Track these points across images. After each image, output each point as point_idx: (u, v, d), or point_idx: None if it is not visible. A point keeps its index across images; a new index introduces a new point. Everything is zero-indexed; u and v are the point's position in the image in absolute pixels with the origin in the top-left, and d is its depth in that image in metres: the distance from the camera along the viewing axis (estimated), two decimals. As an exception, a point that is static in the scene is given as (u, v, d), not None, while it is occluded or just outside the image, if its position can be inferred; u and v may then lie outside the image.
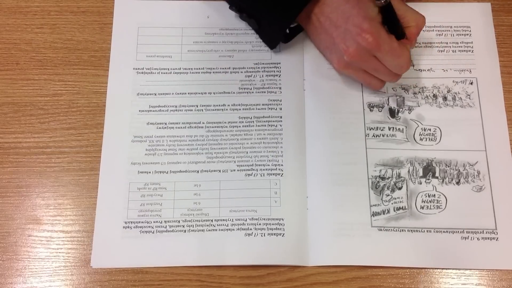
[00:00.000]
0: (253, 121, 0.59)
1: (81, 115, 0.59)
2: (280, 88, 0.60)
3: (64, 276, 0.53)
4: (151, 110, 0.59)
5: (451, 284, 0.54)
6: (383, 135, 0.58)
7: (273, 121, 0.59)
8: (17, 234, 0.55)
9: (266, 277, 0.54)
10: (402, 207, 0.56)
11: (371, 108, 0.59)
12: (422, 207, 0.56)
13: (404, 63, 0.54)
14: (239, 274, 0.54)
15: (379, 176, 0.57)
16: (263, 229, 0.55)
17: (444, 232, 0.55)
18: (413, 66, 0.61)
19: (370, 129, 0.58)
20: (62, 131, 0.59)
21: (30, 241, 0.55)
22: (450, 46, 0.63)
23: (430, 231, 0.55)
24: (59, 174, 0.57)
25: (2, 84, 0.61)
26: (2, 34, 0.63)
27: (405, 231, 0.55)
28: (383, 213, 0.55)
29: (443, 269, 0.54)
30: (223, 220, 0.55)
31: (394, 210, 0.56)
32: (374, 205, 0.56)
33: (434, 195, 0.56)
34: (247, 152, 0.58)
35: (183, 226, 0.55)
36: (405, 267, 0.54)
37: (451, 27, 0.63)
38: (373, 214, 0.55)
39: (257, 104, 0.59)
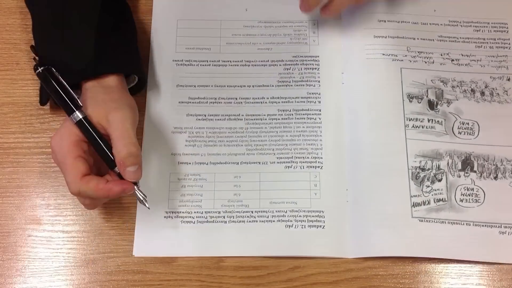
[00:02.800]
0: (292, 114, 0.59)
1: (82, 114, 0.59)
2: (319, 81, 0.60)
3: (64, 276, 0.53)
4: (190, 102, 0.59)
5: (451, 284, 0.54)
6: (422, 126, 0.58)
7: (312, 114, 0.59)
8: (17, 234, 0.55)
9: (266, 277, 0.54)
10: (442, 199, 0.56)
11: (411, 99, 0.59)
12: (461, 200, 0.56)
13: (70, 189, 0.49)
14: (239, 274, 0.54)
15: (419, 167, 0.57)
16: (303, 221, 0.55)
17: (482, 226, 0.55)
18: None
19: (409, 120, 0.58)
20: (62, 131, 0.59)
21: (30, 241, 0.55)
22: (487, 42, 0.63)
23: (470, 224, 0.55)
24: (59, 174, 0.56)
25: (2, 84, 0.60)
26: (2, 34, 0.62)
27: (445, 223, 0.55)
28: (424, 204, 0.55)
29: (443, 269, 0.54)
30: (263, 211, 0.55)
31: (435, 202, 0.56)
32: (414, 196, 0.56)
33: (473, 188, 0.57)
34: (286, 145, 0.58)
35: (224, 217, 0.55)
36: (406, 265, 0.54)
37: (488, 23, 0.64)
38: (413, 205, 0.55)
39: (296, 97, 0.59)
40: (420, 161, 0.57)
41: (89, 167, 0.49)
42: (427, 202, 0.56)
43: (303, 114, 0.59)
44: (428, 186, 0.56)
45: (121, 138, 0.49)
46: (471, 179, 0.57)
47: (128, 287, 0.53)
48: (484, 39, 0.63)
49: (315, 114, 0.59)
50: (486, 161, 0.58)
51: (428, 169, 0.57)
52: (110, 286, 0.53)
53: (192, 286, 0.53)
